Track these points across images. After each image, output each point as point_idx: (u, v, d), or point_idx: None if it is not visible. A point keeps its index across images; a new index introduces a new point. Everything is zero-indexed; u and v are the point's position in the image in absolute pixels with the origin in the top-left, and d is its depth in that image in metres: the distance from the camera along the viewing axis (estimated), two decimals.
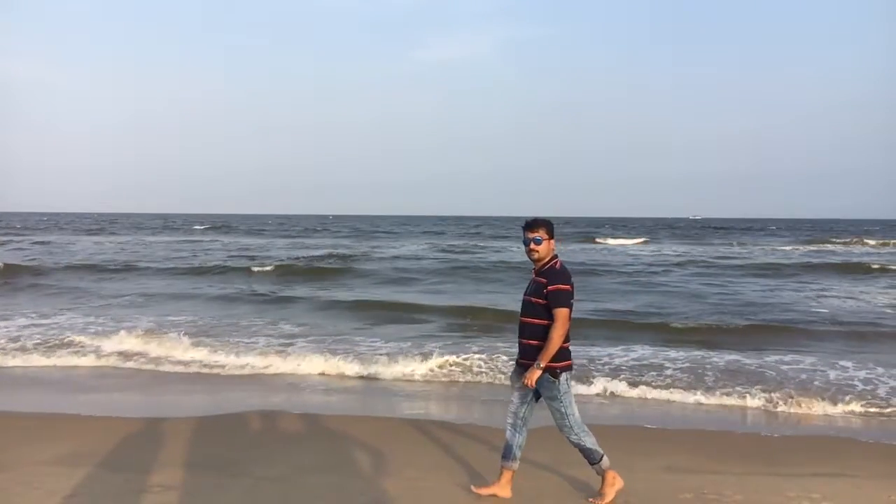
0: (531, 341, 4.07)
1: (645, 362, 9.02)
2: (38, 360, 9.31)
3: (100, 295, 16.56)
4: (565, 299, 3.98)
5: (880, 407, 7.15)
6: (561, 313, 3.94)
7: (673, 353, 9.57)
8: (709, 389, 7.78)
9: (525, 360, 4.10)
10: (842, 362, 9.03)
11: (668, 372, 8.50)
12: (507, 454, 4.27)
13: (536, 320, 4.04)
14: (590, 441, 4.15)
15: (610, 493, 4.21)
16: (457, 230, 66.63)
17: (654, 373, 8.46)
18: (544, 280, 4.03)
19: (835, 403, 7.21)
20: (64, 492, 4.35)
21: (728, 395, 7.56)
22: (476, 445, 5.58)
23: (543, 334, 3.99)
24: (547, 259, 4.11)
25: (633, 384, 7.94)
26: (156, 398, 7.54)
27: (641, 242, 44.72)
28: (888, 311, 14.18)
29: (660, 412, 7.09)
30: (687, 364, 8.89)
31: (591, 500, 4.28)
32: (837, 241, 46.13)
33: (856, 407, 7.14)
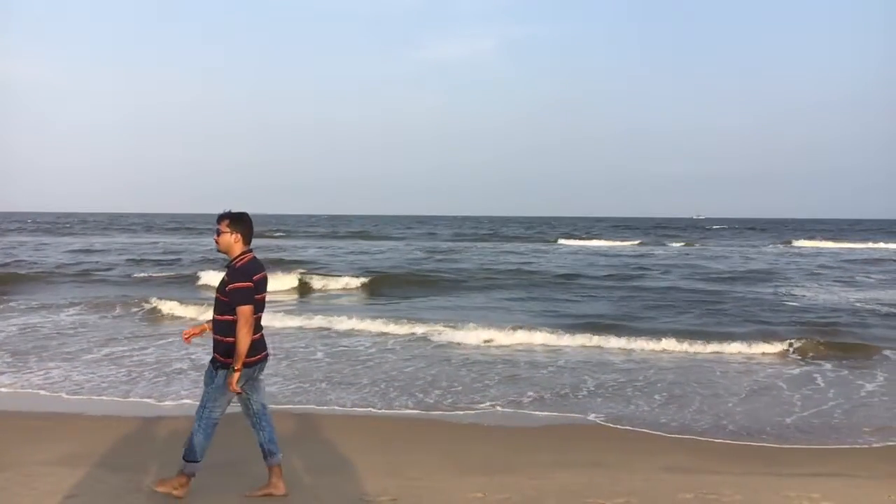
0: (218, 337, 4.11)
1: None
2: None
3: None
4: (243, 297, 3.95)
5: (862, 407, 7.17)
6: (242, 311, 3.93)
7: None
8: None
9: (216, 354, 4.12)
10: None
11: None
12: (263, 454, 4.32)
13: (220, 316, 4.07)
14: (200, 442, 4.14)
15: (162, 489, 4.19)
16: (449, 232, 65.15)
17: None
18: (227, 278, 4.06)
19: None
20: (64, 492, 4.34)
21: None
22: (478, 445, 5.59)
23: (226, 330, 4.03)
24: (234, 255, 4.10)
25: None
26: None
27: (638, 244, 44.81)
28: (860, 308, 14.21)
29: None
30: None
31: (150, 484, 4.30)
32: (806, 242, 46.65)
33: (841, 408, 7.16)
